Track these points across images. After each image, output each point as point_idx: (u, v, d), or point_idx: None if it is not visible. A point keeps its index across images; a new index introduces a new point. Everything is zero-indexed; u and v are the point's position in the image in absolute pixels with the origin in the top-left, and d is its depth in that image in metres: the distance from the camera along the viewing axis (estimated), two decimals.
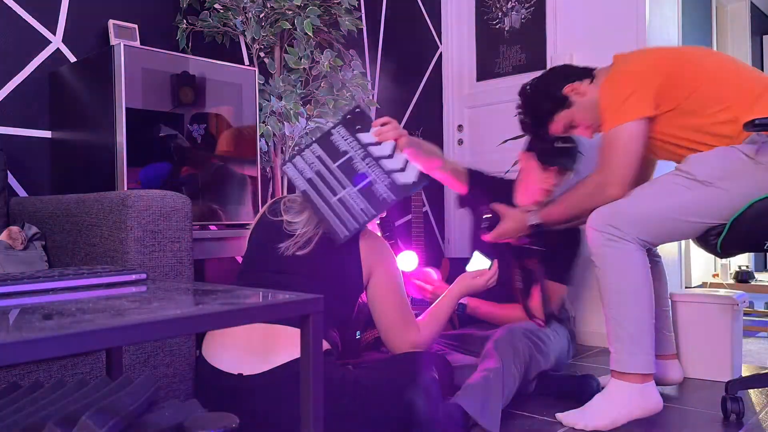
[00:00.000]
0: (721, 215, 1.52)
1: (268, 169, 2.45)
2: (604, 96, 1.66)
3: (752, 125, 1.41)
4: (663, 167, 1.84)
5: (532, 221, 1.80)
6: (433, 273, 2.12)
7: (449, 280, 2.55)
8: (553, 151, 1.96)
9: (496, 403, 1.51)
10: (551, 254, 2.04)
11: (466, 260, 1.91)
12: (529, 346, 1.72)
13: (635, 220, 1.54)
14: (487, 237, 1.88)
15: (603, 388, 1.76)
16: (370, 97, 2.42)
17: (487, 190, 2.19)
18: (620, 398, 1.54)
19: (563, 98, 1.78)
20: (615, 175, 1.58)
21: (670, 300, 2.01)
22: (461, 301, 2.09)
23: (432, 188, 3.34)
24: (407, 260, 2.18)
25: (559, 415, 1.58)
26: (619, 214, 1.55)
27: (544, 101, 1.81)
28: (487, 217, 1.89)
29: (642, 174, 1.86)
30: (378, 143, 1.54)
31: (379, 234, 1.73)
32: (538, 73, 2.94)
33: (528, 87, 1.87)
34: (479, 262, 1.85)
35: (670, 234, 1.60)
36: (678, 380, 1.91)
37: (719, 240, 1.53)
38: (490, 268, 1.79)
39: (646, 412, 1.55)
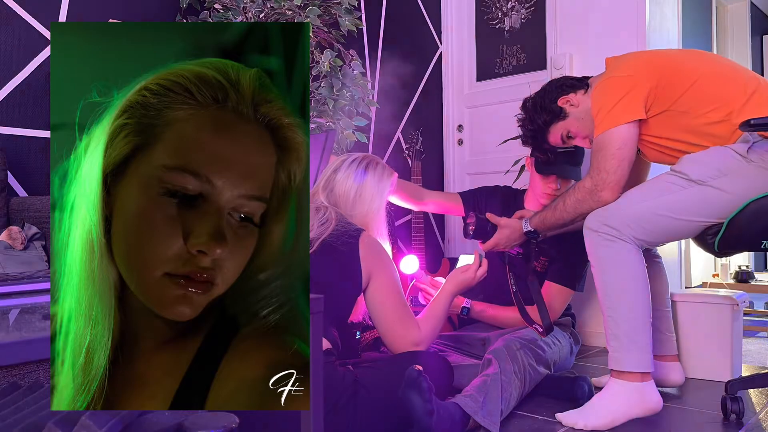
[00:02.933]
0: (717, 214, 1.52)
1: None
2: (595, 102, 1.67)
3: (748, 125, 1.42)
4: (656, 170, 1.85)
5: (526, 228, 1.82)
6: (442, 279, 2.12)
7: None
8: (548, 159, 1.98)
9: (495, 403, 1.51)
10: (561, 257, 2.03)
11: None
12: (527, 355, 1.71)
13: (631, 220, 1.55)
14: (482, 246, 1.89)
15: (597, 388, 1.76)
16: (370, 97, 2.42)
17: (481, 204, 2.22)
18: (619, 397, 1.54)
19: (558, 110, 1.80)
20: (607, 179, 1.58)
21: (670, 300, 2.01)
22: (464, 304, 2.09)
23: (432, 188, 3.34)
24: (409, 263, 2.16)
25: (559, 416, 1.58)
26: (615, 214, 1.56)
27: (540, 114, 1.84)
28: (469, 223, 1.90)
29: (636, 178, 1.86)
30: None
31: (387, 240, 1.73)
32: (538, 73, 2.99)
33: (528, 102, 1.90)
34: (466, 262, 1.86)
35: (666, 233, 1.61)
36: (679, 382, 1.91)
37: (716, 239, 1.54)
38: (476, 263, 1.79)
39: (645, 411, 1.55)
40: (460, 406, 1.45)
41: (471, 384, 1.57)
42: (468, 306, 2.09)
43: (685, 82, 1.60)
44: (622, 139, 1.58)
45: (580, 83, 1.82)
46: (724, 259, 3.94)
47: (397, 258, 2.18)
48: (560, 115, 1.81)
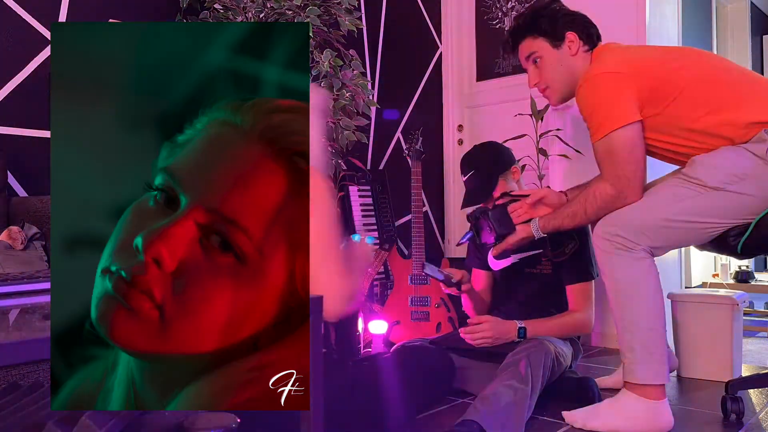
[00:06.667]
0: (739, 216, 1.47)
1: None
2: (586, 97, 1.59)
3: None
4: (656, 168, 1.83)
5: (538, 235, 1.71)
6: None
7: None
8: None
9: (519, 427, 1.48)
10: (565, 259, 1.98)
11: (466, 260, 1.91)
12: (552, 362, 1.70)
13: (645, 229, 1.49)
14: (495, 251, 1.79)
15: (601, 390, 1.76)
16: (370, 97, 2.42)
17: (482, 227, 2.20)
18: (631, 412, 1.51)
19: (560, 36, 1.70)
20: (629, 184, 1.52)
21: (668, 300, 2.00)
22: (520, 324, 1.91)
23: (432, 188, 3.34)
24: (377, 326, 2.42)
25: (566, 414, 1.58)
26: (629, 224, 1.50)
27: (547, 22, 1.71)
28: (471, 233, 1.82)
29: None
30: None
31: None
32: None
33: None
34: None
35: (682, 239, 1.56)
36: (673, 367, 1.90)
37: (741, 241, 1.49)
38: None
39: (654, 428, 1.51)
40: (480, 425, 1.38)
41: (494, 387, 1.52)
42: (524, 326, 1.90)
43: (677, 84, 1.53)
44: (631, 142, 1.53)
45: (593, 40, 1.73)
46: (724, 258, 3.93)
47: (368, 318, 2.43)
48: (556, 42, 1.71)
